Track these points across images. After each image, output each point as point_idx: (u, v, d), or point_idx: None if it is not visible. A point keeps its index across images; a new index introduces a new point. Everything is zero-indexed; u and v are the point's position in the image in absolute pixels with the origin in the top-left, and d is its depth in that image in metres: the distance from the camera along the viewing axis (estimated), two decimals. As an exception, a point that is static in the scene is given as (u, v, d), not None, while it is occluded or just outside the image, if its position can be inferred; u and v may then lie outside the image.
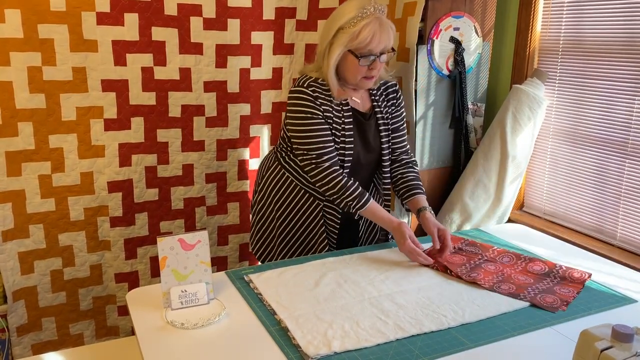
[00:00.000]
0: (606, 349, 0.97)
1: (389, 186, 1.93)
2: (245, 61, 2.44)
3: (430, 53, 2.20)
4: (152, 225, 2.46)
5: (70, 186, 2.26)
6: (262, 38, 2.44)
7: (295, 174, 1.87)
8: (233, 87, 2.45)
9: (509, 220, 2.31)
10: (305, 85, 1.75)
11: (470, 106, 2.33)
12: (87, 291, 2.39)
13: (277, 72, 2.53)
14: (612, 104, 1.98)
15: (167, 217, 2.48)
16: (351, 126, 1.79)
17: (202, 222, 2.56)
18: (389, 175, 1.91)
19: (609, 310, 1.45)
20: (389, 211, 1.83)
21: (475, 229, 2.14)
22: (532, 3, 2.22)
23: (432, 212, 1.83)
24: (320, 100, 1.74)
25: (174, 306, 1.43)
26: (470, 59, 2.28)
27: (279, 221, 1.92)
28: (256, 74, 2.48)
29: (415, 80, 2.18)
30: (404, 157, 1.96)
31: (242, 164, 2.58)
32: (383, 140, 1.86)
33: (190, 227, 2.53)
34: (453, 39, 2.23)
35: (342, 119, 1.78)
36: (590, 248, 1.98)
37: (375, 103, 1.86)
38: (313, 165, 1.75)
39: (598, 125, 2.04)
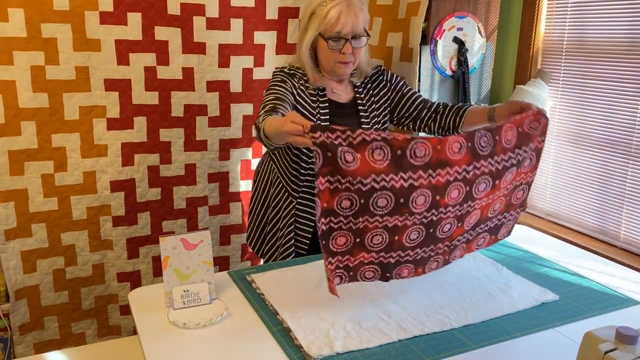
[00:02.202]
0: (610, 351, 0.96)
1: None
2: (248, 61, 2.44)
3: (433, 53, 2.20)
4: (155, 224, 2.46)
5: (72, 185, 2.26)
6: (265, 38, 2.44)
7: (282, 174, 1.87)
8: (236, 86, 2.45)
9: (512, 221, 2.31)
10: (285, 68, 1.80)
11: (473, 107, 2.33)
12: (89, 290, 2.40)
13: (280, 72, 2.53)
14: (615, 105, 1.97)
15: (169, 216, 2.48)
16: (327, 115, 1.77)
17: (205, 222, 2.56)
18: None
19: (612, 312, 1.45)
20: None
21: (478, 229, 2.13)
22: (535, 4, 2.21)
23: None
24: (295, 80, 1.76)
25: (176, 306, 1.43)
26: (473, 60, 2.28)
27: (261, 214, 1.97)
28: (259, 73, 2.48)
29: (419, 80, 2.18)
30: (433, 107, 1.85)
31: (245, 164, 2.58)
32: (363, 127, 1.79)
33: (192, 227, 2.53)
34: (456, 39, 2.22)
35: (318, 108, 1.77)
36: (593, 249, 1.98)
37: (358, 95, 1.83)
38: (260, 117, 1.59)
39: (601, 126, 2.03)
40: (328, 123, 1.76)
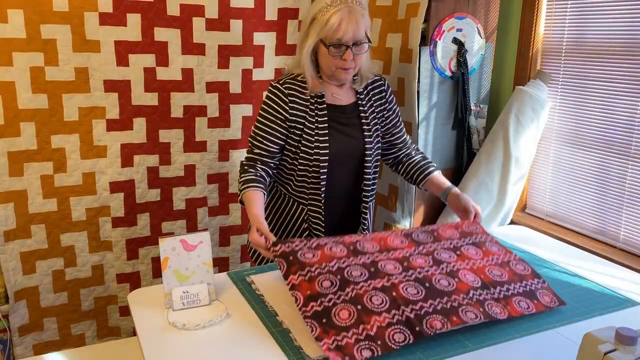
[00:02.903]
0: (610, 351, 0.96)
1: (370, 190, 1.86)
2: (247, 62, 2.44)
3: (433, 54, 2.20)
4: (154, 225, 2.46)
5: (72, 186, 2.26)
6: (265, 39, 2.44)
7: (282, 182, 1.86)
8: (235, 87, 2.45)
9: (511, 222, 2.31)
10: (281, 83, 1.76)
11: (472, 107, 2.33)
12: (89, 291, 2.39)
13: (280, 72, 2.53)
14: (615, 106, 1.98)
15: (168, 217, 2.48)
16: (325, 120, 1.75)
17: (204, 223, 2.56)
18: (370, 177, 1.83)
19: (612, 312, 1.45)
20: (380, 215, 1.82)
21: (478, 230, 2.13)
22: (535, 4, 2.21)
23: (456, 189, 1.79)
24: (292, 98, 1.74)
25: (176, 307, 1.43)
26: (473, 61, 2.28)
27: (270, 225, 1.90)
28: (258, 74, 2.48)
29: (418, 81, 2.18)
30: (406, 149, 1.94)
31: (244, 165, 2.58)
32: (365, 134, 1.81)
33: (192, 228, 2.53)
34: (456, 40, 2.22)
35: (316, 116, 1.76)
36: (592, 250, 1.98)
37: (360, 101, 1.82)
38: (248, 151, 1.80)
39: (601, 127, 2.04)
40: (327, 125, 1.76)
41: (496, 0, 2.28)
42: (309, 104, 1.76)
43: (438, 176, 1.86)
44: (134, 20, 2.20)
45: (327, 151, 1.75)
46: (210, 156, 2.49)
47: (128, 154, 2.33)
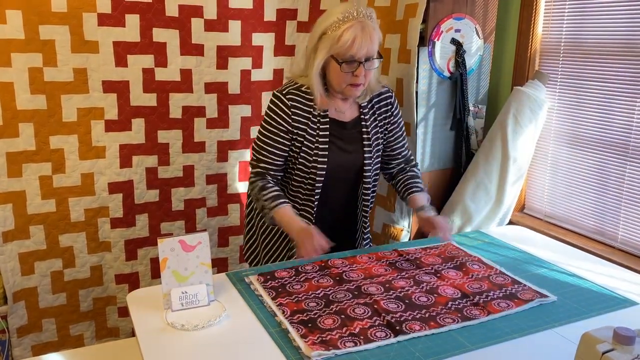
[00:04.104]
0: (608, 351, 0.96)
1: (369, 202, 1.87)
2: (246, 62, 2.44)
3: (431, 55, 2.20)
4: (153, 226, 2.45)
5: (70, 187, 2.26)
6: (263, 39, 2.44)
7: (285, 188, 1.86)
8: (234, 88, 2.45)
9: (510, 222, 2.31)
10: (284, 93, 1.72)
11: (471, 108, 2.33)
12: (88, 292, 2.39)
13: (278, 73, 2.53)
14: (613, 107, 1.98)
15: (167, 218, 2.48)
16: (326, 135, 1.74)
17: (203, 224, 2.56)
18: (370, 187, 1.83)
19: (610, 312, 1.45)
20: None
21: (476, 230, 2.14)
22: (533, 5, 2.22)
23: (430, 209, 1.80)
24: (294, 110, 1.70)
25: (175, 307, 1.43)
26: (471, 61, 2.28)
27: (262, 227, 1.91)
28: (257, 75, 2.48)
29: (416, 82, 2.18)
30: (405, 164, 1.94)
31: (243, 165, 2.58)
32: (365, 149, 1.79)
33: (190, 229, 2.53)
34: (454, 41, 2.23)
35: (317, 129, 1.73)
36: (591, 250, 1.98)
37: (362, 116, 1.79)
38: (253, 163, 1.78)
39: (599, 127, 2.04)
40: (327, 140, 1.74)
41: (494, 0, 2.29)
42: (311, 116, 1.73)
43: (418, 196, 1.84)
44: (133, 20, 2.20)
45: (325, 166, 1.74)
46: (209, 157, 2.49)
47: (127, 154, 2.33)
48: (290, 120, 1.72)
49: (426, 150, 2.28)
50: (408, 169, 1.93)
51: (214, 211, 2.57)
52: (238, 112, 2.50)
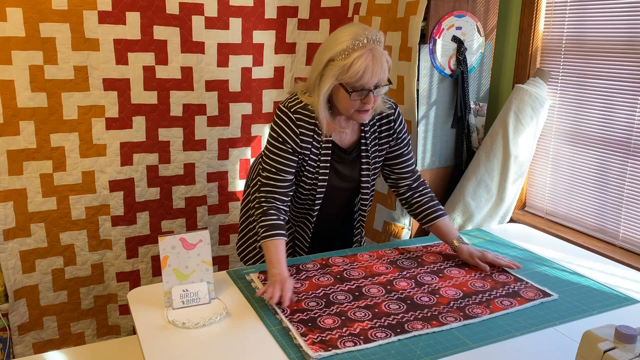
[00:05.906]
0: (609, 349, 0.96)
1: (366, 211, 1.85)
2: (246, 60, 2.44)
3: (432, 52, 2.20)
4: (154, 224, 2.46)
5: (71, 185, 2.26)
6: (264, 37, 2.44)
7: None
8: (234, 86, 2.45)
9: (511, 220, 2.31)
10: (292, 111, 1.65)
11: (472, 106, 2.33)
12: (89, 290, 2.39)
13: (279, 71, 2.53)
14: (614, 104, 1.97)
15: (168, 216, 2.48)
16: (327, 160, 1.71)
17: (204, 222, 2.56)
18: (367, 200, 1.81)
19: (611, 310, 1.45)
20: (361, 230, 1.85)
21: (477, 228, 2.13)
22: (534, 2, 2.21)
23: (462, 239, 1.75)
24: (302, 130, 1.65)
25: (175, 305, 1.43)
26: (472, 59, 2.27)
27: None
28: (258, 73, 2.48)
29: (418, 79, 2.18)
30: (414, 182, 1.85)
31: (244, 163, 2.58)
32: (363, 173, 1.76)
33: (191, 226, 2.53)
34: (455, 39, 2.22)
35: (319, 156, 1.70)
36: (592, 248, 1.98)
37: (363, 140, 1.75)
38: (262, 181, 1.69)
39: (600, 125, 2.03)
40: (328, 165, 1.71)
41: (496, -2, 2.28)
42: (313, 140, 1.68)
43: (444, 223, 1.77)
44: (133, 18, 2.19)
45: (324, 190, 1.73)
46: (210, 155, 2.49)
47: (127, 152, 2.33)
48: (298, 141, 1.66)
49: (427, 148, 2.28)
50: (422, 189, 1.84)
51: (214, 209, 2.57)
52: (239, 110, 2.49)
